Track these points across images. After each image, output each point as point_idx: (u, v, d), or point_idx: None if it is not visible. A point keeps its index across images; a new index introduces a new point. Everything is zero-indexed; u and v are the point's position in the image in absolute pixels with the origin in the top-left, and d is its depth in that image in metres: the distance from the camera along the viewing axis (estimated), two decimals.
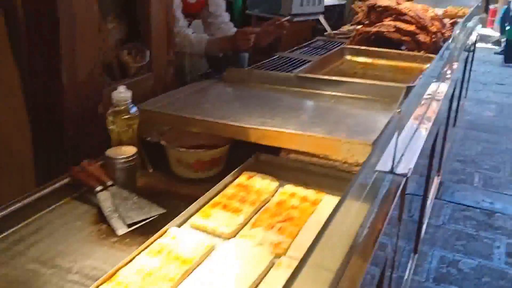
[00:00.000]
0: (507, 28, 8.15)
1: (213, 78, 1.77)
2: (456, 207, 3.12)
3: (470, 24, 3.89)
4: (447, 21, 2.16)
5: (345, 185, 0.83)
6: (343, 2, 5.05)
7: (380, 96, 1.54)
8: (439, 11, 4.53)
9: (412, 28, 1.91)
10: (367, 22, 2.06)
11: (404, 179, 1.25)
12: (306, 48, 2.49)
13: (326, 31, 2.98)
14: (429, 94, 1.74)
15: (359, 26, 2.09)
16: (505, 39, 8.31)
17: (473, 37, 4.39)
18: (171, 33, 1.73)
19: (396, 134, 1.21)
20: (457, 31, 2.24)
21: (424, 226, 2.79)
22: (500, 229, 2.87)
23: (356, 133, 1.21)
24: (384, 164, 1.17)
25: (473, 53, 4.68)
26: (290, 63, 2.10)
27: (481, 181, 3.54)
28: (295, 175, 1.21)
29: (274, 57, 2.16)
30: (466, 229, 2.87)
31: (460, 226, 2.90)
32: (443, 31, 1.96)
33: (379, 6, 2.01)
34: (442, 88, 1.92)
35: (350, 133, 1.19)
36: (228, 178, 1.17)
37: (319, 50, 2.45)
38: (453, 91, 2.97)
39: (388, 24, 1.94)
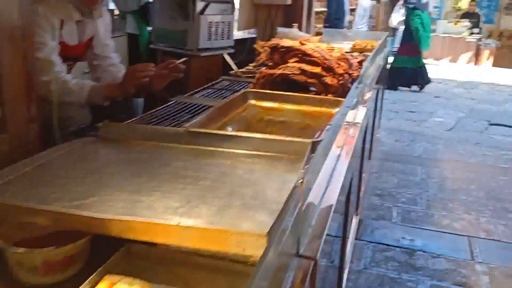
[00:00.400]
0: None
1: (89, 135, 1.46)
2: (377, 248, 3.00)
3: (379, 57, 3.93)
4: (355, 60, 2.04)
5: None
6: (253, 36, 4.95)
7: (284, 152, 1.33)
8: (348, 45, 4.60)
9: (318, 70, 1.75)
10: (270, 63, 1.88)
11: (312, 263, 1.03)
12: (210, 90, 2.27)
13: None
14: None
15: (263, 68, 1.90)
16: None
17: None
18: (33, 83, 1.42)
19: (298, 208, 0.99)
20: (364, 70, 2.13)
21: (346, 272, 2.63)
22: (422, 269, 2.78)
23: (252, 211, 0.97)
24: (287, 248, 0.94)
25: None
26: (188, 110, 1.85)
27: (399, 216, 3.48)
28: (176, 272, 0.94)
29: (170, 104, 1.91)
30: (388, 272, 2.74)
31: (382, 269, 2.77)
32: (350, 71, 1.83)
33: (282, 47, 1.84)
34: (353, 132, 1.77)
35: (244, 213, 0.96)
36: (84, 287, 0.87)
37: (223, 91, 2.24)
38: (366, 125, 2.89)
39: (292, 66, 1.77)
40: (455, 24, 10.79)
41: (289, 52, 1.83)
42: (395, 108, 6.98)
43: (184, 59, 1.93)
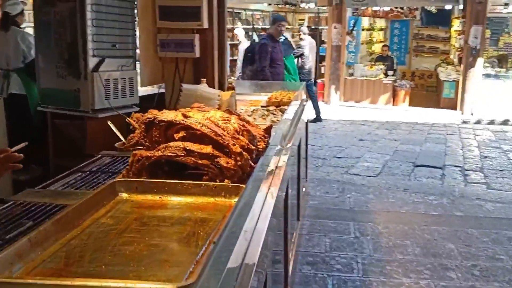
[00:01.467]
0: None
1: None
2: None
3: (298, 109, 3.62)
4: (259, 130, 1.62)
5: None
6: (162, 91, 4.50)
7: None
8: (264, 98, 4.29)
9: (208, 149, 1.31)
10: (147, 143, 1.42)
11: None
12: (79, 174, 1.74)
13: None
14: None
15: (138, 149, 1.43)
16: None
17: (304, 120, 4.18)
18: None
19: None
20: (274, 135, 1.73)
21: None
22: None
23: None
24: None
25: (307, 129, 4.46)
26: (32, 213, 1.31)
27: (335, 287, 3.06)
28: None
29: (7, 206, 1.36)
30: None
31: None
32: (253, 147, 1.41)
33: (161, 121, 1.38)
34: (267, 208, 1.33)
35: None
36: None
37: (97, 176, 1.72)
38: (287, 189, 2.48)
39: (175, 146, 1.32)
40: (371, 67, 11.08)
41: (171, 127, 1.38)
42: (322, 154, 6.76)
43: (22, 144, 1.41)
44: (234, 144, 1.31)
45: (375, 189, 5.22)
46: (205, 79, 3.85)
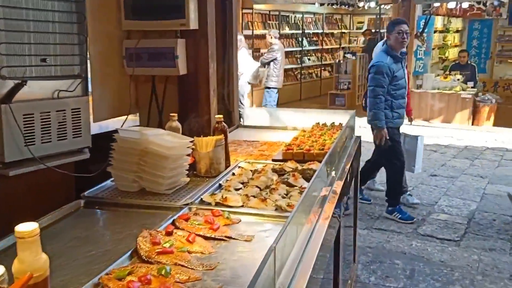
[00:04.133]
0: None
1: None
2: None
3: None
4: None
5: None
6: (135, 125, 2.99)
7: None
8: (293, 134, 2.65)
9: None
10: None
11: None
12: None
13: None
14: None
15: None
16: None
17: None
18: None
19: None
20: None
21: None
22: None
23: None
24: None
25: None
26: None
27: None
28: None
29: None
30: None
31: None
32: None
33: None
34: None
35: None
36: None
37: None
38: None
39: None
40: (445, 78, 9.06)
41: None
42: (378, 197, 4.99)
43: None
44: None
45: (462, 273, 3.42)
46: (175, 114, 2.30)
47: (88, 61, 2.63)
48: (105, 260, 1.30)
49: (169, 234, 1.43)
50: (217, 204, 1.73)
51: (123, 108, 2.87)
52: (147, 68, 2.83)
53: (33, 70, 2.34)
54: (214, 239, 1.45)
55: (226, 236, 1.46)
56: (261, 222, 1.63)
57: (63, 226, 1.61)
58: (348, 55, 11.00)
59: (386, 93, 4.17)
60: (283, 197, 1.79)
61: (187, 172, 2.01)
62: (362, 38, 13.26)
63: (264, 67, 7.26)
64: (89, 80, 2.72)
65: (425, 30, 9.25)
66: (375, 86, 4.16)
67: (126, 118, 2.86)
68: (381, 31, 10.41)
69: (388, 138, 4.22)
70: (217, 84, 3.13)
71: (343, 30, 14.18)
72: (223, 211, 1.64)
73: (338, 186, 2.00)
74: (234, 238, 1.46)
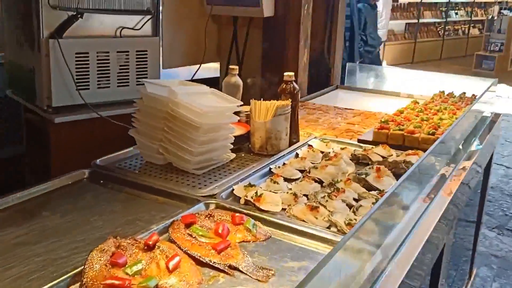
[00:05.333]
0: None
1: None
2: None
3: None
4: None
5: None
6: (216, 75, 2.56)
7: None
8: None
9: None
10: None
11: None
12: None
13: None
14: None
15: None
16: None
17: None
18: None
19: None
20: None
21: None
22: None
23: None
24: None
25: None
26: None
27: None
28: None
29: None
30: None
31: None
32: None
33: None
34: None
35: None
36: None
37: None
38: None
39: None
40: None
41: None
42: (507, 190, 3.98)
43: None
44: None
45: None
46: (236, 67, 1.77)
47: None
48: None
49: (149, 248, 0.95)
50: (246, 203, 1.20)
51: (199, 55, 2.42)
52: (227, 7, 2.34)
53: (90, 0, 2.00)
54: (211, 267, 0.94)
55: (229, 266, 0.94)
56: (299, 244, 1.06)
57: (33, 208, 1.20)
58: (505, 11, 9.30)
59: None
60: (349, 206, 1.19)
61: (231, 146, 1.50)
62: None
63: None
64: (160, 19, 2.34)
65: None
66: None
67: (199, 67, 2.42)
68: None
69: None
70: (315, 33, 2.51)
71: None
72: (248, 217, 1.11)
73: (446, 198, 1.32)
74: (241, 271, 0.94)
